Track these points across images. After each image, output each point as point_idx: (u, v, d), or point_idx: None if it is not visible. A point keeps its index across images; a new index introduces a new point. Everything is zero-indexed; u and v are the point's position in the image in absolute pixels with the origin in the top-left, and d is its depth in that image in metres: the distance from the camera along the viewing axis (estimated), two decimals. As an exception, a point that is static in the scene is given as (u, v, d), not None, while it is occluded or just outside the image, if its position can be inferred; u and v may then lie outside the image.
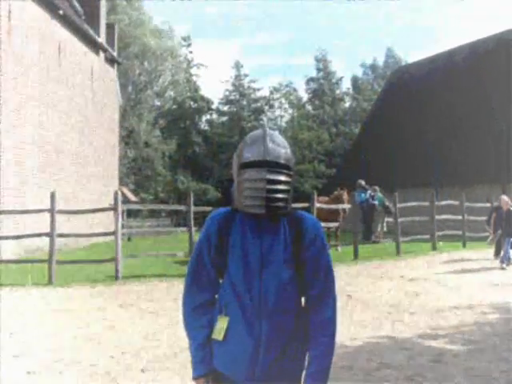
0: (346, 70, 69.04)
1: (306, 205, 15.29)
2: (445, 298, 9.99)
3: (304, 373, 2.48)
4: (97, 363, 6.15)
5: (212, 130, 52.02)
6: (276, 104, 55.35)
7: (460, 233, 19.77)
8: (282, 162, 2.42)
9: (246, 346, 2.37)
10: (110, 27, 27.39)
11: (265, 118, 53.99)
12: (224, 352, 2.43)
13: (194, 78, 52.29)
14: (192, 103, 51.08)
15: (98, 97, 24.73)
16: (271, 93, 54.47)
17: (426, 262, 15.39)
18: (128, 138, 42.47)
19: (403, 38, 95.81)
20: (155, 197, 43.24)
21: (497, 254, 15.39)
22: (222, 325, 2.43)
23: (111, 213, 15.69)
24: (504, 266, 14.00)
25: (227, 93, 53.07)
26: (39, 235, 13.24)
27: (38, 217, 14.82)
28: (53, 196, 12.74)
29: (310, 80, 55.67)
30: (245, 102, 52.82)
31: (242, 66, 53.45)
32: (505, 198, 15.45)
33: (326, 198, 19.45)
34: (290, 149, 2.51)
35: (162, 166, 45.07)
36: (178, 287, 11.43)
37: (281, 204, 2.42)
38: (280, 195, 2.40)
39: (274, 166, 2.40)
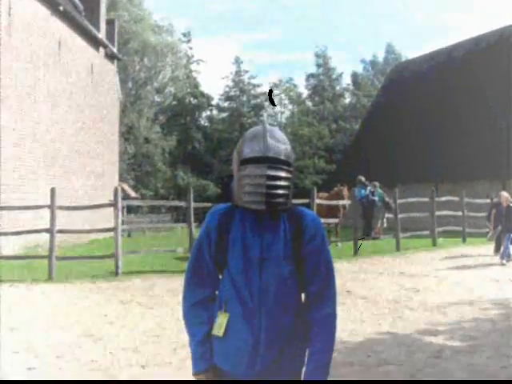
0: (346, 66, 68.96)
1: (306, 201, 15.29)
2: (445, 294, 9.99)
3: (304, 368, 2.48)
4: (97, 359, 6.15)
5: (212, 126, 52.01)
6: (276, 100, 55.33)
7: (460, 229, 19.78)
8: (282, 158, 2.41)
9: (246, 342, 2.37)
10: (109, 23, 27.37)
11: (265, 114, 53.99)
12: (224, 348, 2.43)
13: (194, 74, 52.27)
14: (192, 99, 51.07)
15: (97, 92, 24.71)
16: (271, 88, 54.45)
17: (425, 258, 15.39)
18: (128, 133, 42.42)
19: (403, 33, 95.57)
20: (155, 193, 43.23)
21: (497, 250, 15.39)
22: (221, 321, 2.43)
23: (111, 209, 15.70)
24: (504, 261, 14.01)
25: (227, 89, 53.07)
26: (39, 231, 13.25)
27: (37, 213, 14.82)
28: (53, 192, 12.73)
29: (310, 76, 55.65)
30: (245, 98, 52.81)
31: (241, 62, 53.45)
32: (505, 194, 15.45)
33: (326, 194, 19.46)
34: (290, 145, 2.50)
35: (162, 162, 45.04)
36: (177, 283, 11.44)
37: (281, 200, 2.41)
38: (280, 191, 2.40)
39: (274, 162, 2.39)
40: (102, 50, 25.31)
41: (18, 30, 17.22)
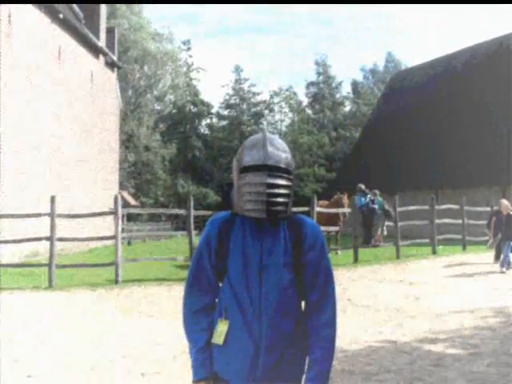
0: (346, 74, 68.97)
1: (306, 209, 15.31)
2: (445, 302, 9.98)
3: (304, 376, 2.48)
4: (96, 367, 6.15)
5: (212, 134, 52.02)
6: (276, 108, 55.43)
7: (460, 236, 19.76)
8: (282, 166, 2.42)
9: (247, 350, 2.38)
10: (109, 31, 27.44)
11: (265, 122, 54.04)
12: (224, 355, 2.43)
13: (194, 82, 52.32)
14: (192, 107, 51.11)
15: (97, 101, 24.75)
16: (271, 97, 54.55)
17: (425, 266, 15.38)
18: (128, 141, 42.45)
19: (403, 42, 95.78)
20: (155, 201, 43.19)
21: (497, 257, 15.37)
22: (222, 328, 2.43)
23: (111, 217, 15.70)
24: (504, 269, 13.99)
25: (227, 97, 53.14)
26: (39, 239, 13.25)
27: (37, 221, 14.81)
28: (53, 200, 12.75)
29: (310, 84, 55.72)
30: (245, 106, 52.89)
31: (241, 71, 53.53)
32: (505, 201, 15.45)
33: (327, 202, 19.47)
34: (290, 153, 2.51)
35: (162, 170, 45.04)
36: (177, 291, 11.44)
37: (281, 208, 2.42)
38: (280, 199, 2.41)
39: (275, 170, 2.40)
40: (101, 57, 25.36)
41: (18, 38, 17.26)
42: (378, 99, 43.28)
